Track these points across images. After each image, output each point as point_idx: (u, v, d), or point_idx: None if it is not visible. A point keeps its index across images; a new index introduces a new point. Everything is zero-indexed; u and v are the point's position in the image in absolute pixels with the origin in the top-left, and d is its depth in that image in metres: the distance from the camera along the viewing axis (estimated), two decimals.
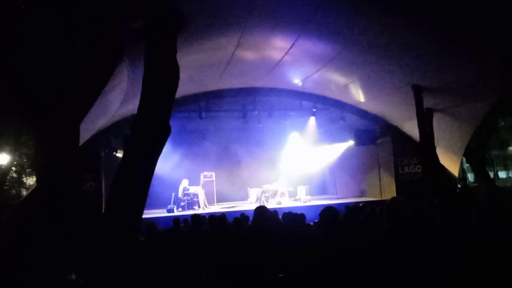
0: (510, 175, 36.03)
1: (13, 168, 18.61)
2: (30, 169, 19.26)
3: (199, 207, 14.85)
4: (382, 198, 15.19)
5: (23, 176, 20.89)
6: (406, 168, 15.40)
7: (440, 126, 11.86)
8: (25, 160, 18.79)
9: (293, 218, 6.61)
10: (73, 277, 3.17)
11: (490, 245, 3.25)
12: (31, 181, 20.84)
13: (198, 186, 15.63)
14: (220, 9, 7.21)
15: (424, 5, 6.86)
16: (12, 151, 15.14)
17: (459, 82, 9.93)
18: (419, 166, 15.33)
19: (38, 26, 5.36)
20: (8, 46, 5.55)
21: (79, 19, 5.49)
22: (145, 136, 5.40)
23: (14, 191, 21.59)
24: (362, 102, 13.96)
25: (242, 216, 7.53)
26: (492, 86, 9.83)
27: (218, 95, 13.80)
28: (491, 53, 8.30)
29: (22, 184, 21.37)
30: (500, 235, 3.54)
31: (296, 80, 12.91)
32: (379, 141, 15.92)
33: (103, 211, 5.65)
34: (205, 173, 16.53)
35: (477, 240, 3.40)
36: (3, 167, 14.91)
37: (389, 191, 15.47)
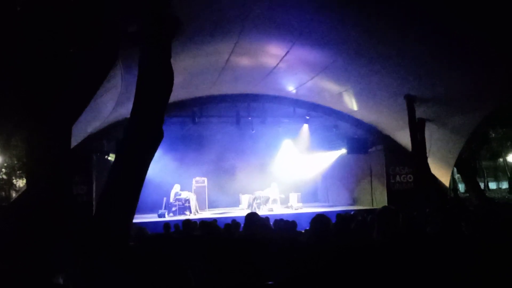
0: (500, 186, 36.30)
1: (3, 170, 18.48)
2: (20, 171, 19.12)
3: (190, 212, 14.78)
4: (374, 207, 15.21)
5: (13, 178, 20.73)
6: (398, 177, 15.47)
7: (432, 136, 11.95)
8: (15, 162, 18.65)
9: (284, 225, 6.60)
10: (61, 281, 3.15)
11: (481, 255, 3.27)
12: (21, 183, 20.68)
13: (190, 192, 15.57)
14: (216, 15, 7.23)
15: (418, 16, 6.93)
16: (2, 153, 15.01)
17: (451, 93, 10.03)
18: (411, 175, 15.40)
19: (35, 29, 5.35)
20: (5, 48, 5.53)
21: (75, 23, 5.49)
22: (138, 140, 5.39)
23: (3, 193, 21.41)
24: (355, 111, 14.03)
25: (233, 223, 7.51)
26: (484, 97, 9.93)
27: (212, 100, 13.83)
28: (483, 65, 8.39)
29: (12, 186, 21.19)
30: (491, 245, 3.56)
31: (290, 88, 12.95)
32: (371, 149, 15.99)
33: (93, 214, 5.62)
34: (197, 178, 16.48)
35: (467, 250, 3.42)
36: None
37: (381, 200, 15.51)
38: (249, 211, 14.51)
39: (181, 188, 15.30)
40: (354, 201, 17.40)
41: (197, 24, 7.37)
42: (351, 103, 13.28)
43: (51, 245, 4.58)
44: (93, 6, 5.66)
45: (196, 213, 14.98)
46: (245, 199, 16.70)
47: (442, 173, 14.10)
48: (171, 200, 14.87)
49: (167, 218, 13.73)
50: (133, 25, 6.25)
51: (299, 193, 16.88)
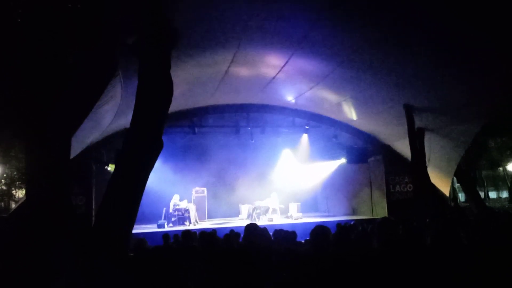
0: (500, 195, 36.24)
1: (3, 181, 18.45)
2: (20, 182, 19.09)
3: (190, 222, 14.74)
4: (374, 216, 15.18)
5: (13, 188, 20.68)
6: (397, 186, 15.46)
7: (431, 146, 11.95)
8: (15, 173, 18.62)
9: (284, 235, 6.57)
10: None
11: (480, 266, 3.26)
12: (20, 194, 20.64)
13: (190, 202, 15.54)
14: (215, 26, 7.27)
15: (417, 26, 6.97)
16: (2, 164, 15.02)
17: (450, 102, 10.04)
18: (411, 185, 15.39)
19: (35, 38, 5.38)
20: (5, 58, 5.56)
21: (75, 33, 5.52)
22: (138, 151, 5.39)
23: (3, 203, 21.36)
24: (355, 121, 14.05)
25: (232, 233, 7.48)
26: (482, 107, 9.95)
27: (211, 111, 13.85)
28: (482, 74, 8.42)
29: (12, 197, 21.14)
30: (491, 255, 3.55)
31: (289, 98, 12.98)
32: (371, 159, 15.98)
33: (92, 225, 5.61)
34: (197, 188, 16.45)
35: (466, 260, 3.40)
36: None
37: (381, 209, 15.48)
38: (248, 221, 14.48)
39: (181, 198, 15.26)
40: (354, 211, 17.37)
41: (196, 35, 7.40)
42: (350, 113, 13.30)
43: (51, 255, 4.56)
44: (92, 17, 5.70)
45: (196, 224, 14.94)
46: (244, 209, 16.66)
47: (442, 182, 14.08)
48: (171, 210, 14.83)
49: (167, 228, 13.69)
50: (133, 36, 6.28)
51: (299, 203, 16.85)
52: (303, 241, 6.60)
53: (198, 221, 15.32)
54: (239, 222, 15.06)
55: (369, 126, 14.30)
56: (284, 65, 9.50)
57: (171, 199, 15.04)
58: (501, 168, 31.15)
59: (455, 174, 15.56)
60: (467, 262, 3.30)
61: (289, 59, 9.04)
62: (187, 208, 15.00)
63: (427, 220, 8.85)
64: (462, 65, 8.15)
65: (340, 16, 7.03)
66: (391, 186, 15.39)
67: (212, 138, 16.16)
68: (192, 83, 10.55)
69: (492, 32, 6.78)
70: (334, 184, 18.17)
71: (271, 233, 7.27)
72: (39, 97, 5.29)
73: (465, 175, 18.73)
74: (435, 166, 12.92)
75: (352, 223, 10.52)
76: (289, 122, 15.03)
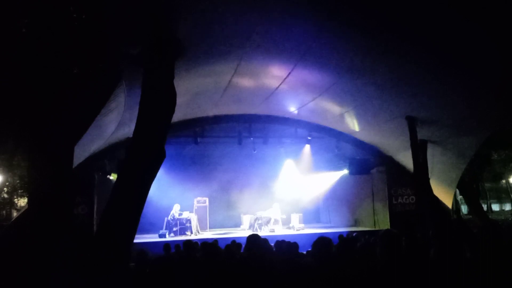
0: (503, 207, 36.07)
1: (5, 189, 18.43)
2: (22, 190, 19.08)
3: (191, 233, 14.69)
4: (376, 228, 15.10)
5: (15, 197, 20.67)
6: (400, 198, 15.39)
7: (434, 158, 11.93)
8: (17, 181, 18.62)
9: (286, 246, 6.54)
10: None
11: (483, 278, 3.24)
12: (22, 202, 20.63)
13: (191, 212, 15.50)
14: (219, 37, 7.31)
15: (419, 39, 7.00)
16: (4, 172, 15.04)
17: (453, 114, 10.04)
18: (413, 196, 15.33)
19: (39, 49, 5.42)
20: (9, 69, 5.60)
21: (79, 44, 5.56)
22: (140, 160, 5.40)
23: (4, 212, 21.34)
24: (357, 132, 14.05)
25: (234, 244, 7.46)
26: (485, 119, 9.94)
27: (214, 121, 13.88)
28: (485, 86, 8.42)
29: (13, 205, 21.12)
30: (493, 268, 3.52)
31: (292, 108, 13.01)
32: (373, 170, 15.94)
33: (95, 234, 5.60)
34: (199, 198, 16.41)
35: (470, 273, 3.38)
36: None
37: (383, 221, 15.40)
38: (250, 231, 14.43)
39: (183, 208, 15.23)
40: (356, 222, 17.28)
41: (199, 46, 7.44)
42: (353, 124, 13.31)
43: (52, 265, 4.56)
44: (96, 27, 5.75)
45: (197, 234, 14.89)
46: (246, 219, 16.61)
47: (444, 194, 14.02)
48: (172, 220, 14.79)
49: (168, 238, 13.65)
50: (137, 47, 6.33)
51: (301, 214, 16.79)
52: (305, 252, 6.57)
53: (199, 231, 15.28)
54: (241, 232, 15.00)
55: (371, 137, 14.30)
56: (287, 76, 9.53)
57: (172, 208, 15.02)
58: (504, 181, 31.03)
59: (458, 186, 15.51)
60: (470, 275, 3.28)
61: (292, 70, 9.08)
62: (188, 218, 14.96)
63: (430, 232, 8.78)
64: (465, 77, 8.17)
65: (342, 28, 7.07)
66: (393, 198, 15.33)
67: (214, 148, 16.16)
68: (195, 93, 10.59)
69: (496, 44, 6.79)
70: (337, 195, 18.12)
71: (272, 244, 7.25)
72: (43, 105, 5.32)
73: (468, 187, 18.69)
74: (438, 178, 12.89)
75: (354, 234, 10.46)
76: (291, 133, 15.04)
